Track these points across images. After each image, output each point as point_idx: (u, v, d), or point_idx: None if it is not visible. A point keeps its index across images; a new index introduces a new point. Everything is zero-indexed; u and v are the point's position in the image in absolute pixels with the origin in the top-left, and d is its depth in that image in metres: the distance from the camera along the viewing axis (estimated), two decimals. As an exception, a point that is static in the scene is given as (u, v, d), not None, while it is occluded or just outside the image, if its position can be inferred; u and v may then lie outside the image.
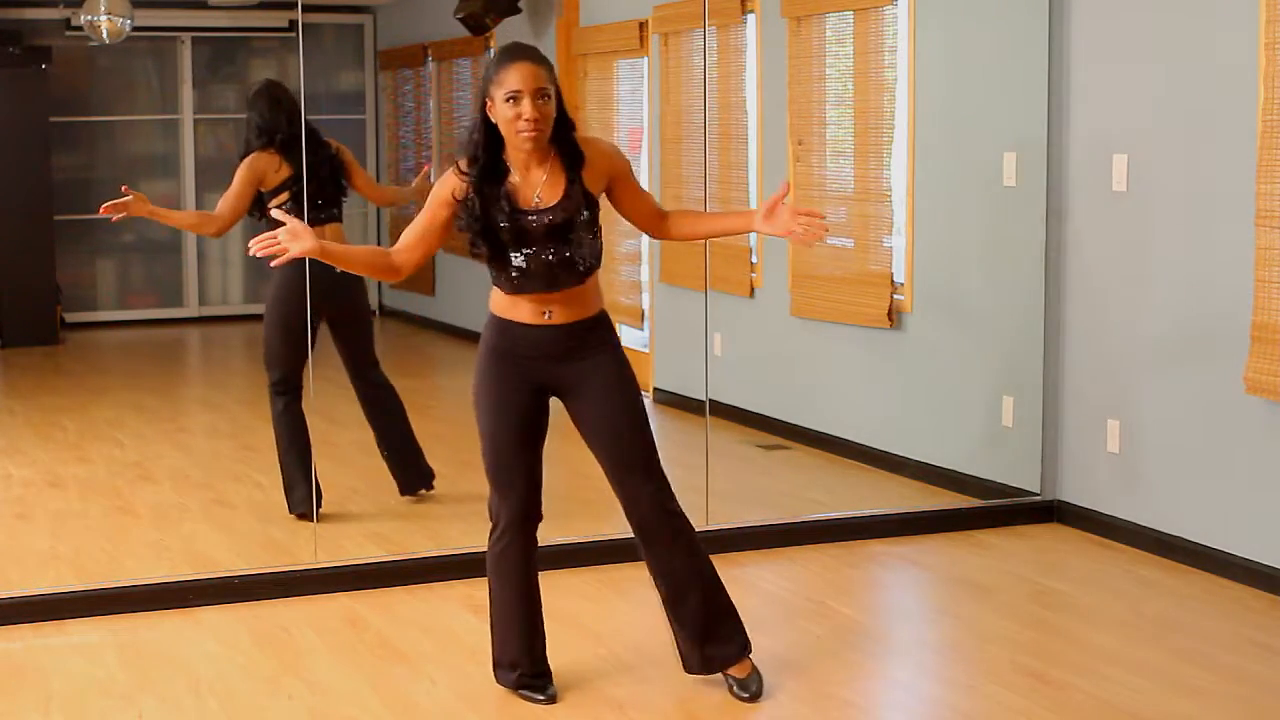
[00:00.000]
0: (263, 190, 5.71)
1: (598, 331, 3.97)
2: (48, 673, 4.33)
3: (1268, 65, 4.82)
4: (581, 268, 3.87)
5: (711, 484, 5.69)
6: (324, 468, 5.93)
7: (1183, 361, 5.29)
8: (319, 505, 5.68)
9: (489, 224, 3.81)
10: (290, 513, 5.82)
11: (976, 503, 5.97)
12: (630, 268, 7.41)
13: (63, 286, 7.99)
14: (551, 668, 4.13)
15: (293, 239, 3.80)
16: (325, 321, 5.86)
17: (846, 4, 6.49)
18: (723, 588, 4.09)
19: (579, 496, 6.41)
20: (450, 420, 6.28)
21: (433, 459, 6.16)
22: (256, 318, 8.20)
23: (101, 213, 5.56)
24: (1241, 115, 4.96)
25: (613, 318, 7.62)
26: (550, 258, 3.82)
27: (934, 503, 6.03)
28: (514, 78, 3.73)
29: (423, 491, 6.07)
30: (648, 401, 7.43)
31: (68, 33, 7.74)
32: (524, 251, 3.82)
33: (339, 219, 5.88)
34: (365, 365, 6.03)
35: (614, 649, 4.55)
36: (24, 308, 7.95)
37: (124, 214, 5.43)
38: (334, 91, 8.13)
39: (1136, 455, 5.52)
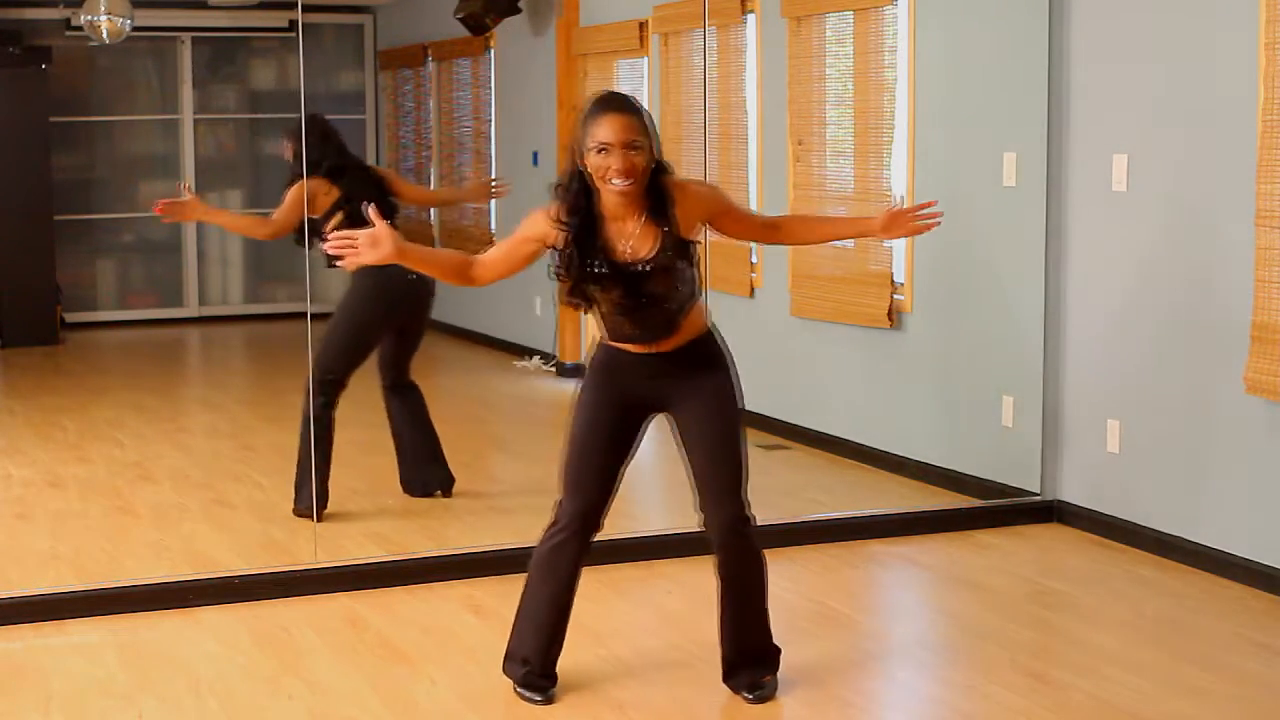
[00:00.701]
0: (313, 216, 5.82)
1: (707, 349, 3.97)
2: (48, 673, 4.33)
3: (1268, 65, 4.82)
4: (676, 313, 3.87)
5: (711, 484, 5.68)
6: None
7: (1183, 361, 5.29)
8: (323, 507, 5.69)
9: (585, 275, 3.81)
10: (295, 507, 5.80)
11: (976, 503, 5.96)
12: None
13: (63, 286, 8.00)
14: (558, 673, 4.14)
15: (372, 245, 3.85)
16: (395, 327, 5.96)
17: (846, 4, 6.49)
18: (765, 618, 4.10)
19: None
20: (451, 420, 6.27)
21: (433, 459, 6.19)
22: (256, 318, 8.24)
23: (156, 211, 5.69)
24: (1241, 115, 4.96)
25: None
26: (646, 306, 3.82)
27: (934, 503, 6.03)
28: (604, 130, 3.72)
29: (438, 494, 6.06)
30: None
31: (68, 33, 7.75)
32: (620, 302, 3.82)
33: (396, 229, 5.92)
34: (407, 368, 6.09)
35: (614, 649, 4.55)
36: (24, 308, 7.96)
37: (178, 217, 5.49)
38: (334, 91, 8.14)
39: (1136, 455, 5.52)
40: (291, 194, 5.83)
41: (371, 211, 3.92)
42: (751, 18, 6.93)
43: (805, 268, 6.82)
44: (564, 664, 4.37)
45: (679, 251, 3.82)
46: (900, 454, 6.43)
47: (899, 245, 6.38)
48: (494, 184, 6.22)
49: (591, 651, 4.49)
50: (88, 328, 8.13)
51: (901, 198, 6.24)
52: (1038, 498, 5.90)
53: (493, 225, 7.68)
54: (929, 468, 6.29)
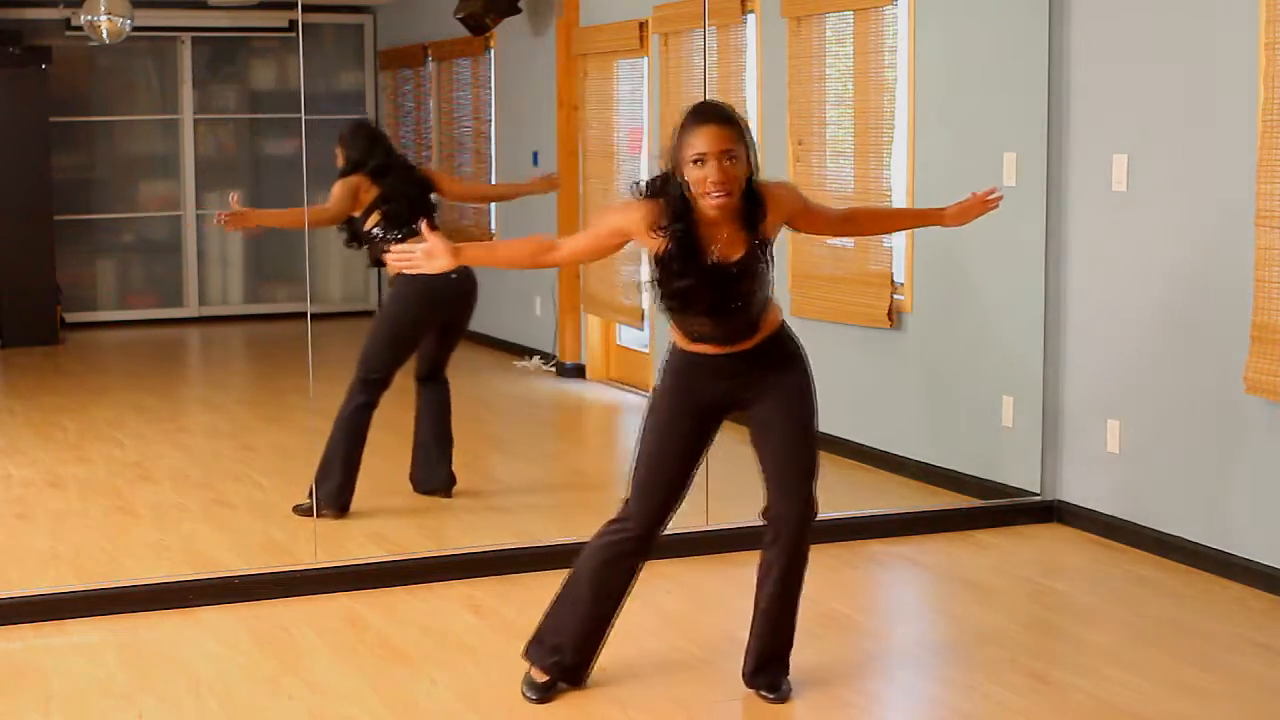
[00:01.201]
0: (354, 214, 5.95)
1: (784, 346, 4.00)
2: (48, 673, 4.33)
3: (1268, 65, 4.82)
4: (759, 314, 3.90)
5: (711, 484, 5.68)
6: (324, 468, 5.93)
7: (1183, 362, 5.29)
8: (347, 505, 5.81)
9: (682, 280, 3.81)
10: (308, 499, 5.68)
11: (976, 503, 5.96)
12: (630, 268, 7.42)
13: (63, 286, 7.99)
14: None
15: (429, 258, 3.90)
16: (438, 328, 6.03)
17: (846, 4, 6.49)
18: (792, 624, 4.10)
19: (578, 496, 6.42)
20: (451, 420, 6.27)
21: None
22: (256, 318, 8.24)
23: (217, 223, 5.89)
24: (1241, 115, 4.96)
25: (613, 318, 7.69)
26: (730, 309, 3.84)
27: (934, 503, 6.03)
28: (700, 140, 3.73)
29: (438, 494, 6.07)
30: (646, 401, 7.45)
31: (68, 33, 7.74)
32: (706, 303, 3.83)
33: (436, 229, 5.98)
34: (444, 364, 6.15)
35: (614, 649, 4.55)
36: (24, 308, 7.95)
37: (238, 225, 5.83)
38: (334, 91, 8.14)
39: (1136, 455, 5.52)
40: (337, 189, 5.95)
41: (424, 228, 4.04)
42: (751, 18, 6.93)
43: (805, 268, 6.81)
44: (564, 664, 4.37)
45: (762, 253, 3.86)
46: (900, 454, 6.43)
47: (899, 245, 6.38)
48: (554, 178, 6.38)
49: (591, 651, 4.49)
50: (88, 328, 8.12)
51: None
52: (1038, 498, 5.90)
53: (493, 226, 7.68)
54: (929, 468, 6.29)
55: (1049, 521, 5.86)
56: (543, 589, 5.03)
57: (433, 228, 5.93)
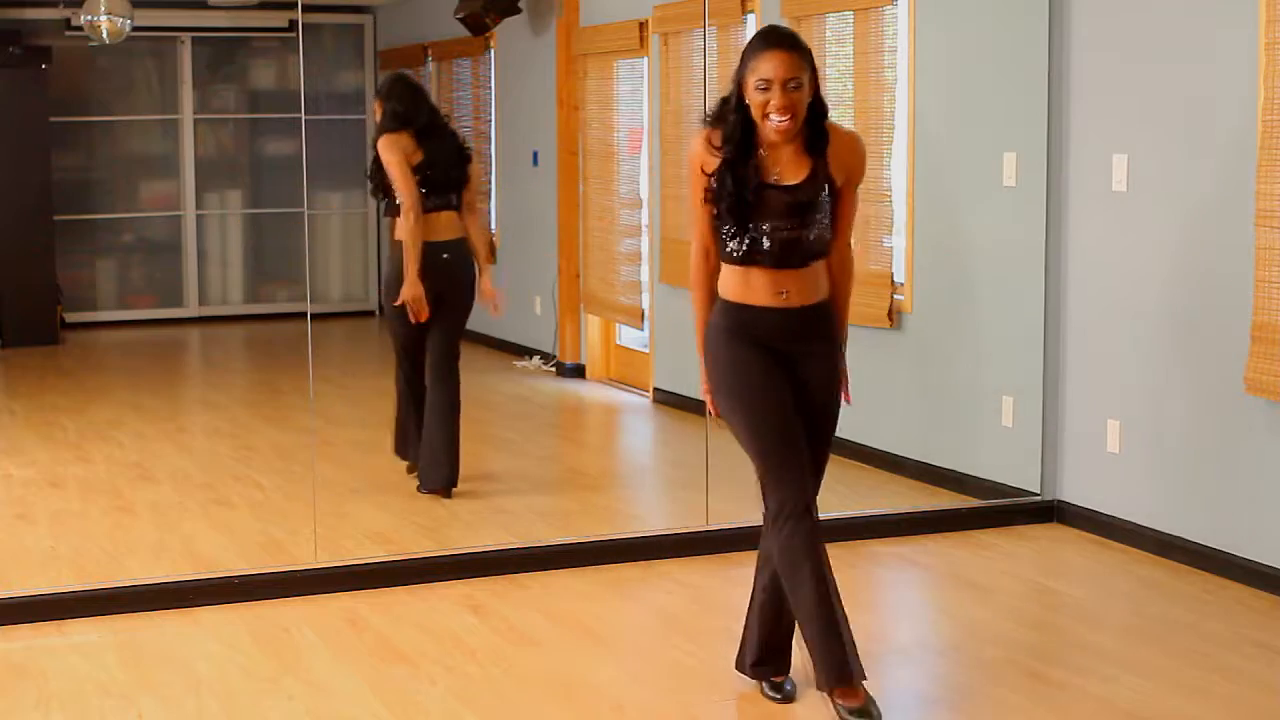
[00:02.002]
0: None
1: (827, 320, 3.94)
2: (48, 673, 4.33)
3: (1268, 65, 4.82)
4: (812, 246, 3.84)
5: (711, 484, 5.69)
6: (324, 468, 5.93)
7: (1183, 361, 5.29)
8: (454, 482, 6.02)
9: (736, 197, 3.79)
10: (420, 489, 6.06)
11: (976, 503, 5.96)
12: (630, 268, 7.42)
13: (63, 286, 7.99)
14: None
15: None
16: (433, 298, 5.97)
17: (846, 4, 6.48)
18: (791, 616, 3.98)
19: (579, 496, 6.42)
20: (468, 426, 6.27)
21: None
22: (256, 318, 8.24)
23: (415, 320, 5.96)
24: (1241, 115, 4.96)
25: (613, 318, 7.69)
26: (787, 234, 3.80)
27: (934, 503, 6.03)
28: (766, 65, 3.73)
29: (438, 492, 6.05)
30: (647, 401, 7.45)
31: (68, 33, 7.74)
32: (764, 225, 3.80)
33: (456, 206, 6.05)
34: (446, 354, 6.10)
35: (614, 649, 4.55)
36: (24, 308, 7.95)
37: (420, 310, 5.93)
38: (334, 91, 8.14)
39: (1136, 455, 5.52)
40: (392, 161, 5.87)
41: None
42: (751, 18, 6.92)
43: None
44: (564, 664, 4.37)
45: (824, 185, 3.82)
46: (900, 454, 6.43)
47: (899, 245, 6.38)
48: (496, 301, 6.34)
49: (591, 651, 4.49)
50: (88, 328, 8.12)
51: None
52: (1038, 498, 5.90)
53: (493, 226, 7.68)
54: (929, 468, 6.29)
55: (1049, 521, 5.86)
56: (543, 589, 5.04)
57: (455, 205, 6.03)
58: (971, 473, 6.13)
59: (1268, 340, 4.86)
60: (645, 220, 7.39)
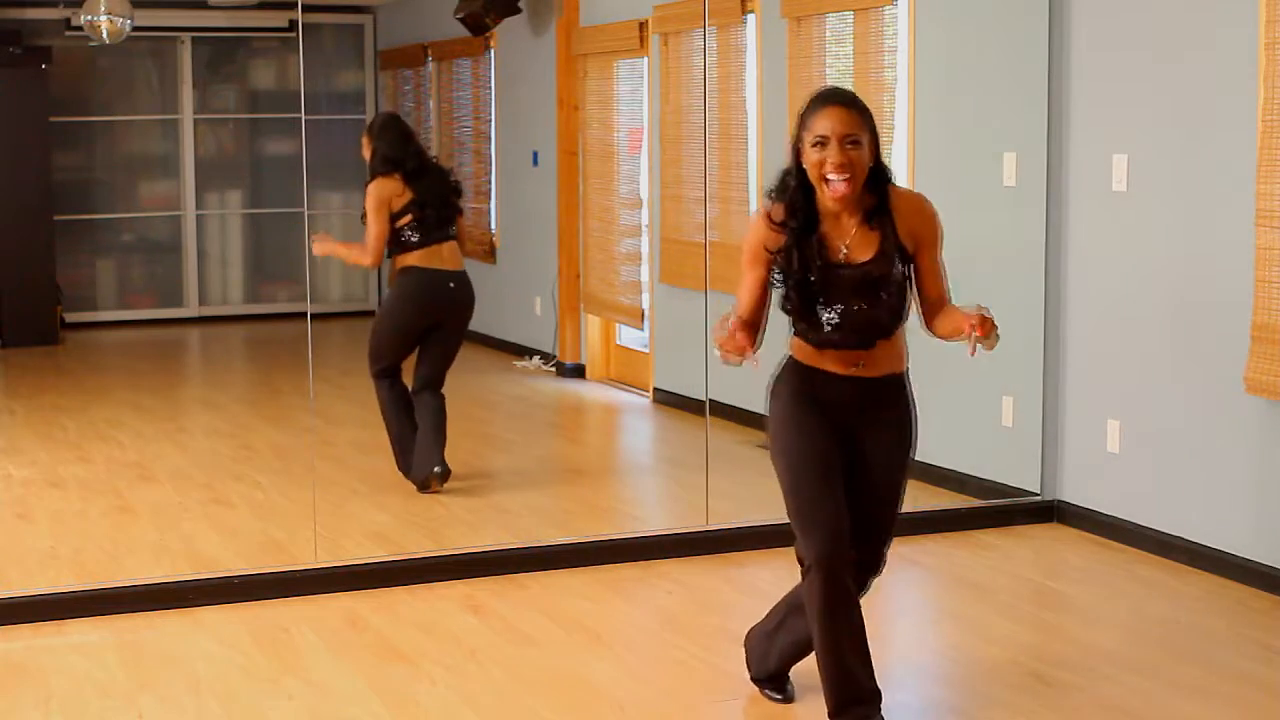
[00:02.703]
0: (391, 211, 6.07)
1: (900, 391, 3.79)
2: (48, 673, 4.33)
3: (1268, 65, 4.82)
4: (888, 322, 3.67)
5: (711, 484, 5.69)
6: (324, 468, 5.94)
7: (1183, 361, 5.29)
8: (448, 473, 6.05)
9: (803, 276, 3.64)
10: (410, 478, 6.11)
11: (976, 503, 5.96)
12: (630, 268, 7.42)
13: (63, 286, 8.00)
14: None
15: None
16: (432, 328, 6.17)
17: (846, 4, 6.48)
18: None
19: (579, 496, 6.42)
20: (451, 420, 6.27)
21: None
22: (256, 318, 8.25)
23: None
24: (1241, 115, 4.96)
25: (613, 318, 7.69)
26: (859, 312, 3.63)
27: (934, 503, 6.03)
28: (822, 122, 3.57)
29: (433, 483, 6.07)
30: (647, 401, 7.45)
31: (68, 33, 7.75)
32: (834, 306, 3.63)
33: (454, 237, 6.19)
34: (441, 372, 6.23)
35: (614, 649, 4.55)
36: (24, 308, 7.96)
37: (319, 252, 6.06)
38: (334, 91, 8.15)
39: (1136, 455, 5.52)
40: (373, 206, 6.05)
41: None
42: (751, 18, 6.92)
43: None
44: (564, 664, 4.37)
45: (897, 257, 3.64)
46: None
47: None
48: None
49: (591, 651, 4.49)
50: (88, 328, 8.12)
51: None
52: (1038, 498, 5.90)
53: (493, 226, 7.69)
54: (929, 468, 6.29)
55: (1049, 521, 5.86)
56: (543, 589, 5.04)
57: (453, 235, 6.21)
58: (971, 473, 6.13)
59: (1268, 340, 4.86)
60: (645, 220, 7.40)
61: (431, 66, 7.92)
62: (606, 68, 7.51)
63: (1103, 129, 5.59)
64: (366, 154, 6.14)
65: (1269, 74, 4.81)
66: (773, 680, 4.10)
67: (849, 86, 6.57)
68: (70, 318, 8.03)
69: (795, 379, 3.79)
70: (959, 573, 5.31)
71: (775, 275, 3.71)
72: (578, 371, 7.54)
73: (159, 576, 5.06)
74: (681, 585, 5.14)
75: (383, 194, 6.03)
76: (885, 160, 3.74)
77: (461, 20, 7.32)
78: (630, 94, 7.48)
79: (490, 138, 7.68)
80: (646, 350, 7.47)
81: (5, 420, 7.54)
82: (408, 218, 6.03)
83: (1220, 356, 5.10)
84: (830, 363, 3.72)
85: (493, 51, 7.61)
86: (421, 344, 6.19)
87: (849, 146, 3.58)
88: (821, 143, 3.58)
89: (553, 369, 7.53)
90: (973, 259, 6.20)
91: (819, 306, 3.65)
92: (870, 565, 3.86)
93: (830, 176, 3.57)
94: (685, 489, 6.06)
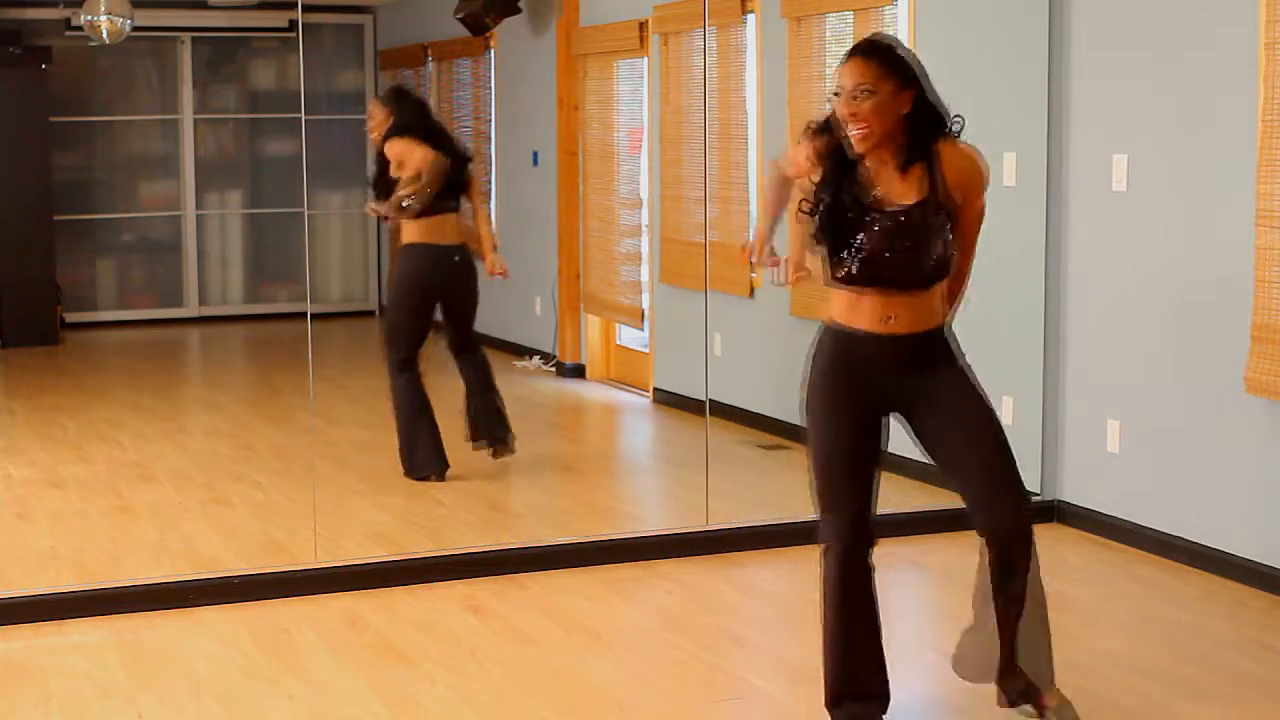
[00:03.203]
0: (401, 175, 6.16)
1: (941, 347, 3.70)
2: (48, 673, 4.33)
3: (1268, 65, 4.82)
4: (924, 269, 3.61)
5: (711, 484, 5.69)
6: (324, 468, 5.94)
7: (1183, 361, 5.29)
8: (445, 467, 6.16)
9: (836, 213, 3.64)
10: (409, 477, 6.18)
11: (976, 503, 5.95)
12: (630, 268, 7.42)
13: (63, 286, 7.99)
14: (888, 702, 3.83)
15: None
16: (441, 303, 6.28)
17: (846, 4, 6.49)
18: (1046, 623, 3.82)
19: (579, 496, 6.42)
20: (451, 420, 6.27)
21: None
22: (256, 318, 8.24)
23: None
24: (1241, 115, 4.96)
25: (613, 318, 7.69)
26: (891, 255, 3.59)
27: (934, 503, 6.02)
28: (840, 75, 3.60)
29: (500, 446, 6.32)
30: (647, 401, 7.46)
31: (68, 33, 7.74)
32: (870, 245, 3.59)
33: (457, 209, 6.30)
34: (467, 341, 6.36)
35: (614, 649, 4.55)
36: (24, 308, 7.95)
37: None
38: (334, 91, 8.14)
39: (1136, 455, 5.52)
40: (400, 147, 6.13)
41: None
42: (751, 18, 6.92)
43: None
44: (564, 664, 4.37)
45: (940, 207, 3.61)
46: (900, 454, 6.41)
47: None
48: (500, 266, 6.50)
49: (591, 651, 4.49)
50: (88, 328, 8.12)
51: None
52: (1038, 498, 5.90)
53: (493, 226, 7.68)
54: (929, 468, 6.27)
55: (1049, 521, 5.86)
56: (543, 589, 5.05)
57: (455, 208, 6.24)
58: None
59: (1268, 340, 4.86)
60: (645, 220, 7.40)
61: (431, 66, 7.92)
62: (606, 68, 7.50)
63: (1103, 129, 5.58)
64: (377, 125, 6.21)
65: (1269, 74, 4.81)
66: (1011, 684, 3.86)
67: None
68: (70, 318, 8.02)
69: (830, 343, 3.75)
70: (959, 573, 5.30)
71: (806, 207, 3.69)
72: (578, 371, 7.54)
73: (159, 576, 5.06)
74: (681, 585, 5.14)
75: (396, 148, 6.13)
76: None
77: (461, 20, 7.32)
78: (630, 94, 7.47)
79: (490, 138, 7.68)
80: (646, 350, 7.47)
81: (5, 420, 7.54)
82: (413, 186, 6.10)
83: (1220, 356, 5.09)
84: (863, 319, 3.67)
85: (493, 51, 7.61)
86: (443, 317, 6.31)
87: (861, 97, 3.57)
88: (838, 93, 3.61)
89: (553, 369, 7.53)
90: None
91: (851, 244, 3.62)
92: (1013, 523, 3.69)
93: (847, 127, 3.59)
94: (685, 489, 6.06)
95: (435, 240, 6.17)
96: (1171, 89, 5.27)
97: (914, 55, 3.70)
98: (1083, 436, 5.76)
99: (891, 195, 3.63)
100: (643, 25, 7.26)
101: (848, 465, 3.75)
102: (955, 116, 3.74)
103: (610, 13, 7.49)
